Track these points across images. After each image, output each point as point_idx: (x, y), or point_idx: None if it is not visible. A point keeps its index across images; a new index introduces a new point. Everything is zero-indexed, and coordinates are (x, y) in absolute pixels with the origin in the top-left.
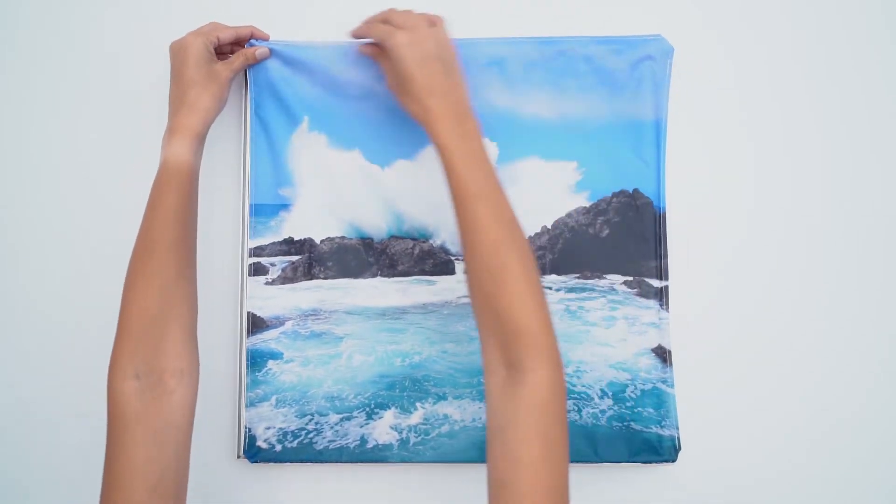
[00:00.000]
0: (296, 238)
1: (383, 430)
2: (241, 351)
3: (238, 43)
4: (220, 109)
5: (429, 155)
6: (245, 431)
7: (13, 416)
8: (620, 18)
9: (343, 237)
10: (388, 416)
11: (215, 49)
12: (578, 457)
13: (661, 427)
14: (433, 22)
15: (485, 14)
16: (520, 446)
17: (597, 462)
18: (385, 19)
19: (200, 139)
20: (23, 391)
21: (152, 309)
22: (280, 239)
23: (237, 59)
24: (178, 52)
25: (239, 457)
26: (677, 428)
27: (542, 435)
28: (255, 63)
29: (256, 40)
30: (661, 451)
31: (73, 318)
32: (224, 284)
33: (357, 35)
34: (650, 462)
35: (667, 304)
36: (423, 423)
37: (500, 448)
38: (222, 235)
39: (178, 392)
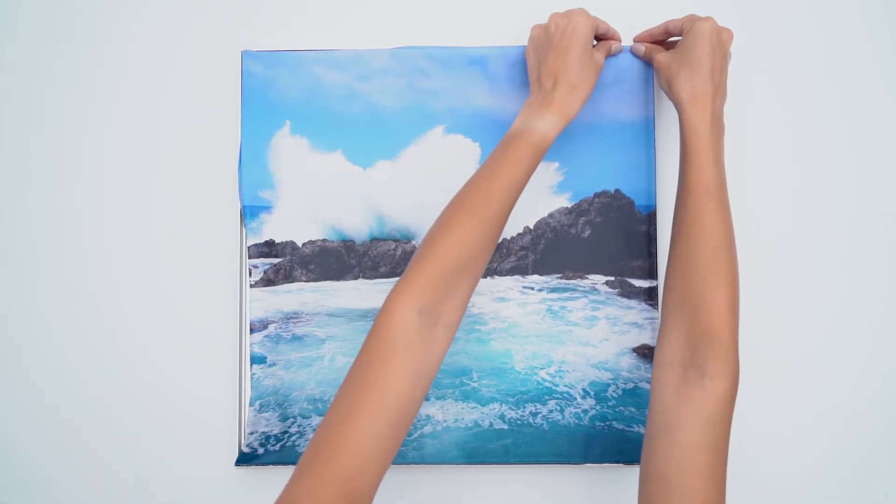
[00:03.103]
0: (277, 241)
1: None
2: (241, 355)
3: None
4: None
5: (410, 155)
6: (239, 439)
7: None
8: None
9: (325, 240)
10: None
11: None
12: (562, 458)
13: (644, 427)
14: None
15: (470, 25)
16: (689, 453)
17: (581, 463)
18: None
19: (570, 122)
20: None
21: (461, 257)
22: (261, 241)
23: (602, 48)
24: (566, 26)
25: (238, 464)
26: None
27: (711, 447)
28: (612, 55)
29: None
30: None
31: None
32: (215, 287)
33: (645, 37)
34: (633, 463)
35: (656, 303)
36: None
37: (666, 447)
38: (214, 236)
39: (442, 342)
